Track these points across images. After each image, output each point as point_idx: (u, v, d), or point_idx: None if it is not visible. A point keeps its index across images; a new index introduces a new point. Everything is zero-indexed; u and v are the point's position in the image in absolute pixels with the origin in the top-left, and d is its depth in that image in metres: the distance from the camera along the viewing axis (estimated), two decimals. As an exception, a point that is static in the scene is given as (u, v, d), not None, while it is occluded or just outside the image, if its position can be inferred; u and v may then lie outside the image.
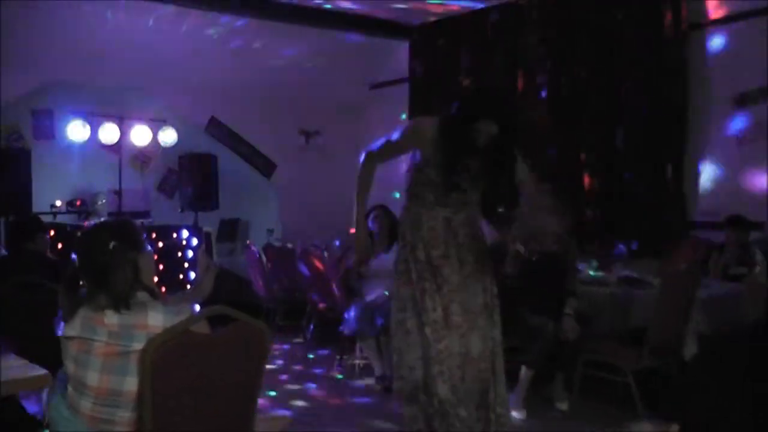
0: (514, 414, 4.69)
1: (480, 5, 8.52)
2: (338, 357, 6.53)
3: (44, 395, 2.88)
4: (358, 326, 5.89)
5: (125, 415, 2.35)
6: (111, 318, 2.34)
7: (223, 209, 9.27)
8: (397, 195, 5.39)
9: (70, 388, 2.41)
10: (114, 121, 8.94)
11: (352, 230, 3.92)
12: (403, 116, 9.59)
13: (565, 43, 7.79)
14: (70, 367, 2.39)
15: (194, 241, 8.30)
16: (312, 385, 6.05)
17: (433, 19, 9.19)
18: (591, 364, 5.02)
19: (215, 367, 2.43)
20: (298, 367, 6.62)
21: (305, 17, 8.47)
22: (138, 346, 2.30)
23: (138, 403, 2.33)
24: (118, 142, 9.01)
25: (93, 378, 2.33)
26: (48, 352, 2.61)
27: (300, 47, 9.31)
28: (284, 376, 6.29)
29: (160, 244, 7.99)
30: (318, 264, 6.75)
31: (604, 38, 7.45)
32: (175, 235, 8.32)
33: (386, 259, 5.33)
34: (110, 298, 2.37)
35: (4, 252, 6.20)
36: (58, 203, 8.49)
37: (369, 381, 6.02)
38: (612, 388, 5.14)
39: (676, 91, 6.93)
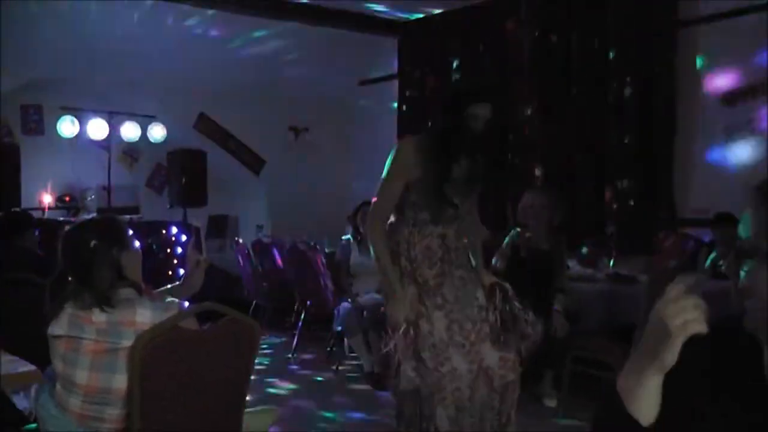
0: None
1: (470, 1, 8.51)
2: (328, 349, 6.56)
3: (32, 391, 2.86)
4: (347, 323, 5.92)
5: (114, 413, 2.35)
6: (99, 316, 2.33)
7: (211, 205, 9.22)
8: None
9: (58, 386, 2.40)
10: (103, 117, 8.89)
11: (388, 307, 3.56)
12: (394, 105, 9.57)
13: (556, 39, 7.80)
14: (58, 365, 2.38)
15: (183, 238, 8.28)
16: (300, 382, 6.04)
17: (422, 14, 9.18)
18: (580, 360, 5.01)
19: (204, 363, 2.43)
20: (286, 364, 6.62)
21: (296, 13, 8.46)
22: (126, 343, 2.30)
23: (127, 400, 2.33)
24: (107, 137, 8.96)
25: (82, 376, 2.32)
26: (37, 349, 2.60)
27: (289, 44, 9.29)
28: (272, 373, 6.28)
29: (149, 240, 7.96)
30: (309, 261, 6.74)
31: (594, 35, 7.46)
32: (164, 231, 8.30)
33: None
34: (93, 296, 2.36)
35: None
36: (48, 199, 8.45)
37: (358, 377, 6.03)
38: (601, 385, 5.15)
39: (667, 87, 6.95)
